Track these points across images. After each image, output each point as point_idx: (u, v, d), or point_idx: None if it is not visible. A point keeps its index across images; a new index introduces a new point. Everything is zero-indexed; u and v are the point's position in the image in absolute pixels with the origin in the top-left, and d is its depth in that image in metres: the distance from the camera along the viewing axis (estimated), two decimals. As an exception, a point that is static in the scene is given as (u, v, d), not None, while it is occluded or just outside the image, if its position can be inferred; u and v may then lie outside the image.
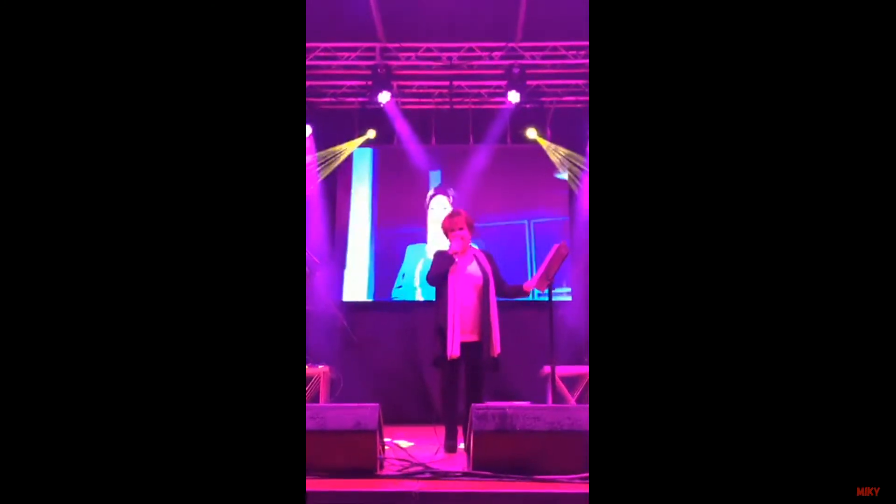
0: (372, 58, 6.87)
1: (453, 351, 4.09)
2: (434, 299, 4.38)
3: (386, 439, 3.45)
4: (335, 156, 7.30)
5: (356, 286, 7.29)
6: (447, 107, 7.35)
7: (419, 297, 7.17)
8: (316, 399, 5.72)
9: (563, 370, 5.57)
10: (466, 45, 6.82)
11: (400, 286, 7.23)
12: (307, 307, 5.71)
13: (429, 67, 7.01)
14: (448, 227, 4.35)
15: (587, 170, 7.10)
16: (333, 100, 7.40)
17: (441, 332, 4.17)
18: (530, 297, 4.36)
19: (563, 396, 5.58)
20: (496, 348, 4.15)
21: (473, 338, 4.18)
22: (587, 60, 6.75)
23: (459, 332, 4.14)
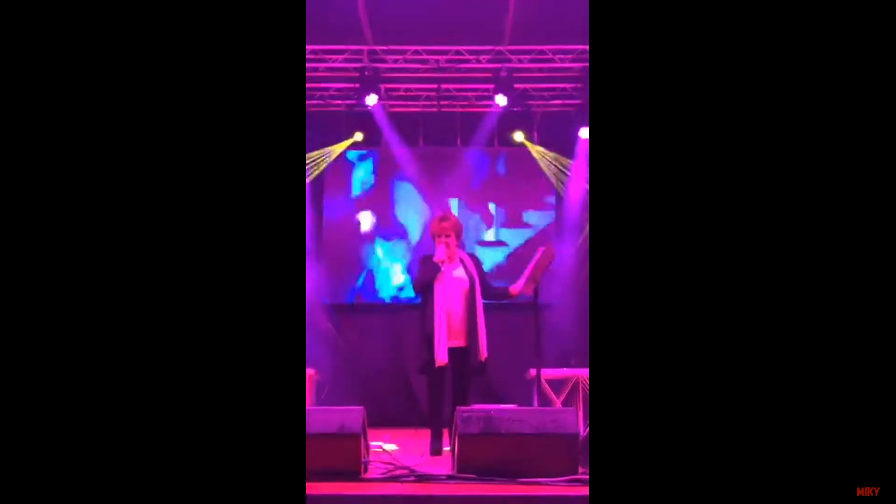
0: (359, 60, 6.85)
1: (441, 357, 4.06)
2: (420, 303, 4.34)
3: (371, 442, 3.42)
4: (322, 158, 7.26)
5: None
6: (435, 109, 7.33)
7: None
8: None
9: (549, 373, 5.55)
10: (454, 48, 6.80)
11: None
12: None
13: (416, 70, 6.99)
14: (435, 232, 4.30)
15: (572, 173, 7.11)
16: (321, 102, 7.36)
17: (428, 339, 4.12)
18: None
19: (549, 399, 5.58)
20: (483, 353, 4.13)
21: (460, 343, 4.15)
22: (575, 64, 6.78)
23: (446, 337, 4.09)
